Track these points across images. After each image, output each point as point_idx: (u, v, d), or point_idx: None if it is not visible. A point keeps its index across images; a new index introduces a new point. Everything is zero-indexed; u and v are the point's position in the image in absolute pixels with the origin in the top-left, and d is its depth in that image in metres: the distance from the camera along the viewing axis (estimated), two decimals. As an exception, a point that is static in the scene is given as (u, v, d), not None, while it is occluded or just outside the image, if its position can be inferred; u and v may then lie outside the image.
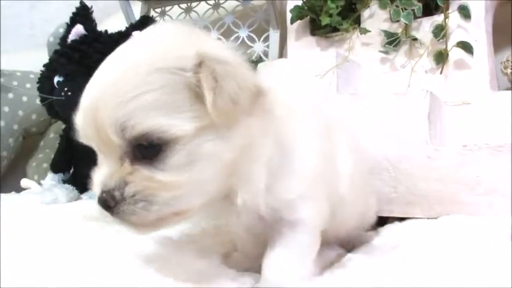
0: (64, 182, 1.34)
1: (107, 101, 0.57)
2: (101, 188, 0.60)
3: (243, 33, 1.70)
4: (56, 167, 1.38)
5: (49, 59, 1.33)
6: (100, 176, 0.61)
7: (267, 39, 1.67)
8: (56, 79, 1.25)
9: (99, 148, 0.62)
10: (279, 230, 0.69)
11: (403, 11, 1.21)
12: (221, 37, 1.71)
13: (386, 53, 1.27)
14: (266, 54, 1.65)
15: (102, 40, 1.24)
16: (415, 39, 1.23)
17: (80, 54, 1.23)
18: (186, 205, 0.61)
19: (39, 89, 1.32)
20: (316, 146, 0.71)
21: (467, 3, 1.17)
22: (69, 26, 1.30)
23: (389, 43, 1.25)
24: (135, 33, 1.25)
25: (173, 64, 0.58)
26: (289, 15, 1.43)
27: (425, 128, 1.04)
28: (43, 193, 1.27)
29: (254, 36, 1.69)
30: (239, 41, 1.70)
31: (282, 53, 1.64)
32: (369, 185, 0.98)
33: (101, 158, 0.62)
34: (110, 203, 0.59)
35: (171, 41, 0.62)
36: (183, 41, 0.61)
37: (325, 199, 0.71)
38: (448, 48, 1.18)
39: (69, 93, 1.19)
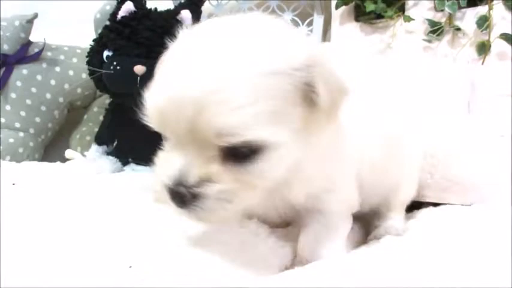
0: (108, 154, 1.47)
1: (213, 105, 0.55)
2: (175, 180, 0.60)
3: (288, 16, 1.80)
4: (100, 139, 1.50)
5: (99, 34, 1.44)
6: (173, 167, 0.61)
7: (310, 23, 1.76)
8: (106, 53, 1.36)
9: (180, 141, 0.61)
10: (311, 215, 0.76)
11: (447, 1, 1.29)
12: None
13: (429, 41, 1.35)
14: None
15: (152, 17, 1.35)
16: (459, 29, 1.31)
17: (129, 30, 1.33)
18: (254, 201, 0.65)
19: (88, 62, 1.43)
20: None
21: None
22: (119, 3, 1.41)
23: (433, 32, 1.34)
24: (184, 12, 1.37)
25: (286, 66, 0.58)
26: (334, 1, 1.52)
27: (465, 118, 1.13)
28: (88, 163, 1.40)
29: (298, 20, 1.79)
30: (282, 25, 1.79)
31: (325, 38, 1.73)
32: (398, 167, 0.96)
33: (174, 147, 0.63)
34: (186, 197, 0.60)
35: (275, 38, 0.60)
36: (287, 39, 0.61)
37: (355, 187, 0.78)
38: (491, 40, 1.25)
39: (118, 68, 1.30)
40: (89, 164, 1.37)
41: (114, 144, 1.52)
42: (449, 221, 1.01)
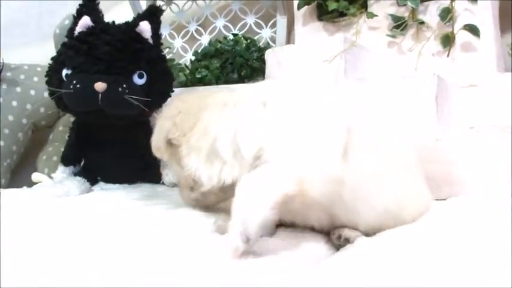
0: (75, 175, 1.44)
1: None
2: None
3: (250, 19, 1.79)
4: (66, 160, 1.46)
5: (57, 52, 1.40)
6: None
7: (274, 25, 1.75)
8: (64, 72, 1.31)
9: None
10: None
11: (409, -5, 1.29)
12: (228, 24, 1.80)
13: (393, 36, 1.35)
14: (273, 40, 1.73)
15: (110, 31, 1.31)
16: (422, 22, 1.31)
17: (87, 46, 1.29)
18: None
19: (47, 82, 1.39)
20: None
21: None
22: (76, 18, 1.37)
23: (397, 27, 1.34)
24: (143, 24, 1.34)
25: None
26: (296, 1, 1.51)
27: (432, 111, 1.12)
28: (55, 186, 1.36)
29: (261, 23, 1.78)
30: (246, 28, 1.78)
31: (289, 39, 1.72)
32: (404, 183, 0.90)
33: None
34: None
35: None
36: None
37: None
38: (455, 31, 1.25)
39: (78, 86, 1.26)
40: (56, 187, 1.33)
41: (82, 164, 1.49)
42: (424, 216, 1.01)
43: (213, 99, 0.92)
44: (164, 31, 1.82)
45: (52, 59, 1.40)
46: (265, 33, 1.76)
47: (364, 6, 1.42)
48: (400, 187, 0.86)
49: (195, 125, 0.90)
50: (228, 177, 0.84)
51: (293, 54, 1.35)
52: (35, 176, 1.51)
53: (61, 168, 1.46)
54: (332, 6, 1.40)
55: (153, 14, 1.38)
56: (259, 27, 1.78)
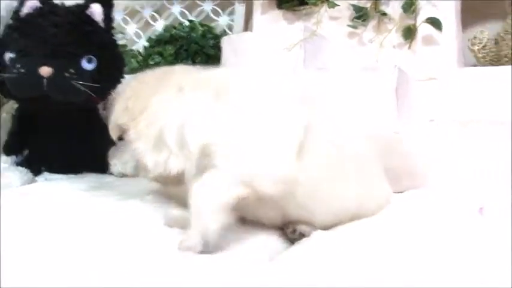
0: (18, 165, 1.35)
1: None
2: None
3: (208, 6, 1.73)
4: (8, 149, 1.35)
5: (0, 35, 1.32)
6: None
7: (232, 12, 1.70)
8: (8, 55, 1.21)
9: None
10: None
11: (374, -14, 1.26)
12: (185, 10, 1.74)
13: (354, 27, 1.33)
14: (231, 28, 1.68)
15: (59, 13, 1.22)
16: (385, 14, 1.29)
17: (34, 28, 1.20)
18: None
19: None
20: None
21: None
22: None
23: (358, 17, 1.31)
24: (94, 6, 1.26)
25: None
26: (255, -12, 1.47)
27: (393, 103, 1.10)
28: None
29: (219, 10, 1.72)
30: (203, 15, 1.73)
31: (247, 27, 1.67)
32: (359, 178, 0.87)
33: None
34: None
35: None
36: None
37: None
38: (417, 24, 1.24)
39: (22, 70, 1.16)
40: None
41: (24, 154, 1.39)
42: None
43: (167, 81, 0.87)
44: (117, 16, 1.73)
45: None
46: (222, 21, 1.70)
47: (327, -4, 1.39)
48: (358, 184, 0.84)
49: (145, 109, 0.86)
50: (173, 168, 0.82)
51: (250, 42, 1.31)
52: (-26, 165, 1.42)
53: (2, 158, 1.36)
54: (294, -6, 1.36)
55: None
56: (217, 14, 1.72)
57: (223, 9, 1.72)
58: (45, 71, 1.14)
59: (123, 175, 1.30)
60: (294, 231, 0.81)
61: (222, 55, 1.38)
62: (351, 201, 0.83)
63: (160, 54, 1.46)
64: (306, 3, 1.39)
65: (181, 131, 0.79)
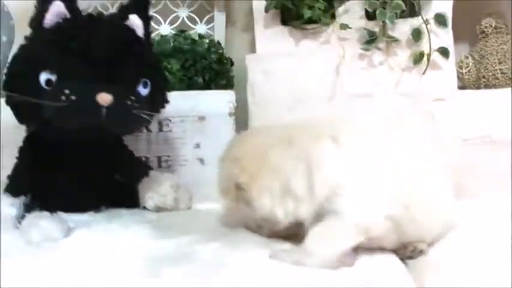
0: (27, 207, 1.13)
1: None
2: None
3: (183, 13, 1.66)
4: (16, 189, 1.12)
5: (22, 47, 1.09)
6: None
7: (209, 21, 1.66)
8: (45, 76, 1.01)
9: None
10: None
11: (389, 13, 1.37)
12: (157, 16, 1.64)
13: (366, 50, 1.42)
14: (208, 36, 1.63)
15: (99, 24, 1.06)
16: (395, 40, 1.41)
17: (74, 43, 1.01)
18: None
19: (6, 86, 1.05)
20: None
21: (445, 12, 1.39)
22: (45, 2, 1.05)
23: (370, 41, 1.41)
24: (133, 18, 1.12)
25: None
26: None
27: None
28: (24, 229, 1.06)
29: (195, 17, 1.66)
30: (178, 22, 1.65)
31: (226, 37, 1.65)
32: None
33: None
34: None
35: None
36: None
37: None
38: (428, 51, 1.39)
39: (73, 98, 0.97)
40: (27, 230, 1.04)
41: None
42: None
43: (275, 137, 0.94)
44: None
45: (17, 56, 1.08)
46: (200, 29, 1.65)
47: (333, 16, 1.45)
48: (449, 197, 0.98)
49: (263, 165, 0.90)
50: (303, 214, 0.88)
51: (281, 64, 1.33)
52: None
53: (7, 200, 1.12)
54: (307, 14, 1.40)
55: (141, 6, 1.16)
56: (193, 21, 1.66)
57: (200, 17, 1.66)
58: (105, 99, 0.98)
59: (159, 209, 1.21)
60: (414, 249, 0.92)
61: (249, 74, 1.37)
62: (447, 213, 0.97)
63: (166, 69, 1.37)
64: (315, 22, 1.44)
65: (309, 178, 0.87)
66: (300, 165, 0.88)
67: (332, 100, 1.31)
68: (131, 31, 1.12)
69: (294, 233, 0.92)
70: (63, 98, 0.98)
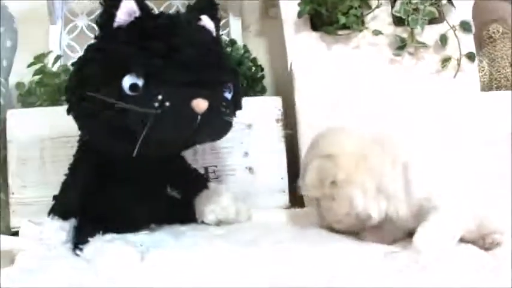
0: (78, 229, 1.03)
1: None
2: None
3: (196, 17, 1.59)
4: (67, 210, 1.01)
5: (98, 50, 0.97)
6: None
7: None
8: (130, 80, 0.89)
9: None
10: None
11: (421, 19, 1.42)
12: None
13: (398, 55, 1.45)
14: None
15: (179, 25, 0.97)
16: (425, 45, 1.45)
17: (162, 44, 0.90)
18: None
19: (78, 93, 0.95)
20: None
21: (469, 20, 1.47)
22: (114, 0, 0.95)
23: (402, 47, 1.44)
24: (205, 19, 1.05)
25: None
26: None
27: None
28: (93, 258, 0.93)
29: (210, 23, 1.59)
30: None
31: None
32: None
33: None
34: None
35: None
36: None
37: None
38: (456, 57, 1.45)
39: (168, 104, 0.88)
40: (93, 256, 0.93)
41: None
42: None
43: (368, 138, 1.01)
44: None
45: (89, 59, 0.96)
46: (214, 34, 1.59)
47: (362, 23, 1.47)
48: None
49: (360, 164, 0.97)
50: (396, 213, 0.97)
51: (330, 70, 1.34)
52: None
53: (54, 223, 1.01)
54: (342, 20, 1.40)
55: (211, 6, 1.09)
56: (208, 27, 1.59)
57: (215, 22, 1.60)
58: (201, 105, 0.90)
59: (219, 222, 1.15)
60: (492, 241, 0.99)
61: (296, 80, 1.35)
62: None
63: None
64: (348, 28, 1.45)
65: (406, 178, 0.96)
66: (396, 166, 0.96)
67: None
68: (210, 33, 1.05)
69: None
70: (156, 104, 0.89)
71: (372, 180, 0.96)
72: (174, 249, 0.99)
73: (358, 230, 1.02)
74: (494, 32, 1.60)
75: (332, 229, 1.06)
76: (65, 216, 1.03)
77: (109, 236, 1.03)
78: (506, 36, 1.60)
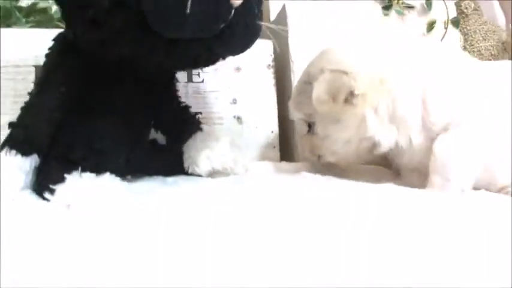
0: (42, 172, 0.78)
1: None
2: None
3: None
4: (32, 143, 0.77)
5: None
6: None
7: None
8: None
9: None
10: None
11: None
12: None
13: (386, 15, 1.37)
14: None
15: None
16: (411, 6, 1.39)
17: None
18: None
19: None
20: None
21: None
22: None
23: (387, 7, 1.37)
24: None
25: None
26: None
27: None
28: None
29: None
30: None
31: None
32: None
33: None
34: None
35: None
36: None
37: None
38: (442, 22, 1.41)
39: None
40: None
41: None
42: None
43: (390, 60, 0.90)
44: None
45: None
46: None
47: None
48: None
49: (379, 86, 0.86)
50: (409, 142, 0.89)
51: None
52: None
53: (10, 161, 0.74)
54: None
55: None
56: None
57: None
58: None
59: (213, 173, 0.94)
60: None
61: (289, 21, 1.21)
62: None
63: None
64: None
65: (426, 108, 0.87)
66: (418, 94, 0.87)
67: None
68: None
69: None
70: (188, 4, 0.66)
71: (387, 105, 0.87)
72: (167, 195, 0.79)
73: (349, 164, 0.95)
74: (466, 8, 1.59)
75: (313, 164, 0.98)
76: (24, 151, 0.77)
77: (88, 175, 0.78)
78: (477, 13, 1.60)
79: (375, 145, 0.90)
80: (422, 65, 0.90)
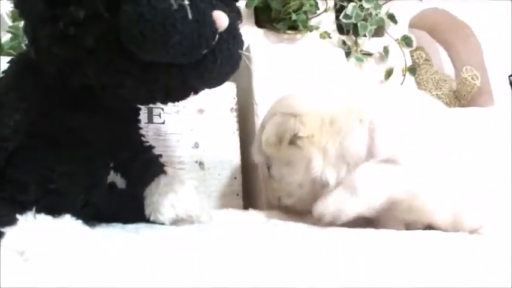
0: None
1: None
2: None
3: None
4: None
5: None
6: None
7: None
8: None
9: None
10: None
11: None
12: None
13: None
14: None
15: None
16: (369, 54, 1.41)
17: None
18: None
19: None
20: None
21: (411, 35, 1.47)
22: None
23: (347, 54, 1.38)
24: None
25: None
26: None
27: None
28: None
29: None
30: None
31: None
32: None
33: None
34: None
35: None
36: None
37: None
38: (401, 70, 1.43)
39: (190, 17, 0.61)
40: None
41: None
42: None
43: (335, 102, 0.91)
44: None
45: None
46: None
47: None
48: None
49: (325, 127, 0.88)
50: None
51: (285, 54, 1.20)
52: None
53: None
54: (293, 17, 1.30)
55: None
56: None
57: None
58: (223, 21, 0.65)
59: (176, 221, 0.85)
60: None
61: (253, 65, 1.18)
62: None
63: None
64: (293, 28, 1.34)
65: (371, 145, 0.86)
66: (363, 125, 0.87)
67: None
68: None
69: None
70: (177, 17, 0.60)
71: (335, 144, 0.87)
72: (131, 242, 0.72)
73: (308, 207, 0.90)
74: (418, 58, 1.63)
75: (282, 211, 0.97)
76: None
77: (44, 217, 0.70)
78: (428, 63, 1.65)
79: (323, 185, 0.89)
80: (371, 99, 0.91)
